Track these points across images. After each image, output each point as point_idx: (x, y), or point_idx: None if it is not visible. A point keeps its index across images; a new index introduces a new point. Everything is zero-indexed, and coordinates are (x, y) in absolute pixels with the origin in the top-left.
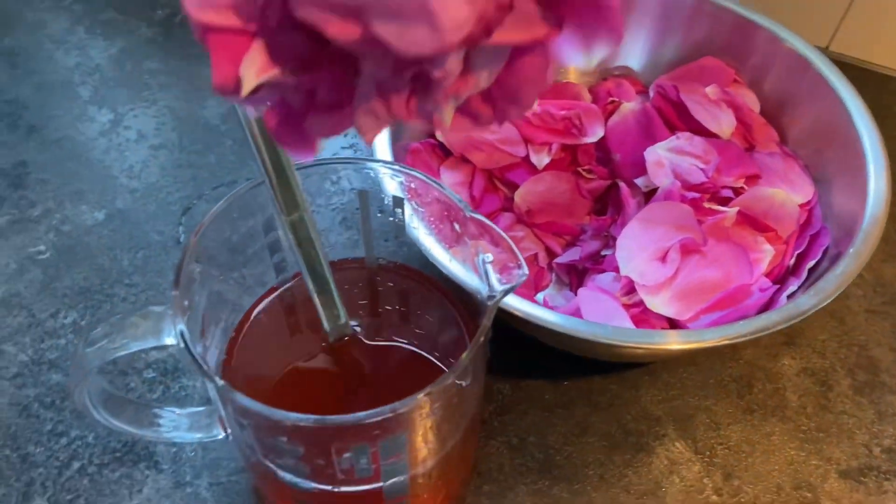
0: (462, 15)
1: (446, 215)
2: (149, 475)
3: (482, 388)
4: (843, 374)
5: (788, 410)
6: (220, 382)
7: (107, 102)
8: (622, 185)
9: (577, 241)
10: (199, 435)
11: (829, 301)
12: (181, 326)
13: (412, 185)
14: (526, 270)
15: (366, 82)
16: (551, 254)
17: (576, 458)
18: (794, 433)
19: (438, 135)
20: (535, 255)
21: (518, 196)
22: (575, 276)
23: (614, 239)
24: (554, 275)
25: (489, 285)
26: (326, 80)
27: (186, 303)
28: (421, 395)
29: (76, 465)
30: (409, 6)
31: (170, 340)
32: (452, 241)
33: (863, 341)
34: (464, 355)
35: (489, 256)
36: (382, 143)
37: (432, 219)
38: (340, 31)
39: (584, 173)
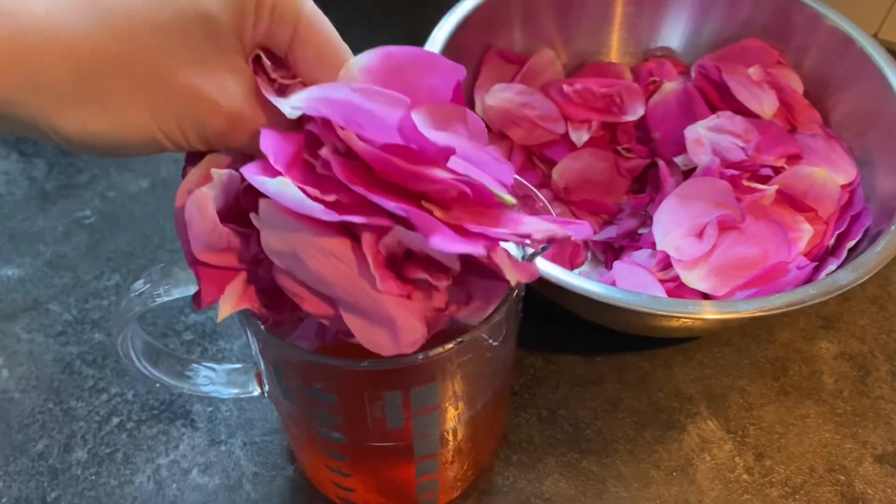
0: (420, 334)
1: None
2: (185, 432)
3: (513, 352)
4: (883, 359)
5: (824, 393)
6: (262, 325)
7: None
8: (661, 163)
9: (614, 220)
10: (235, 390)
11: (867, 277)
12: None
13: None
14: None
15: (311, 322)
16: None
17: (606, 433)
18: (829, 416)
19: (478, 109)
20: None
21: (556, 172)
22: (611, 255)
23: (651, 218)
24: (590, 253)
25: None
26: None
27: None
28: (452, 344)
29: (115, 420)
30: (378, 313)
31: None
32: None
33: None
34: (496, 308)
35: None
36: None
37: None
38: (314, 308)
39: (623, 152)
